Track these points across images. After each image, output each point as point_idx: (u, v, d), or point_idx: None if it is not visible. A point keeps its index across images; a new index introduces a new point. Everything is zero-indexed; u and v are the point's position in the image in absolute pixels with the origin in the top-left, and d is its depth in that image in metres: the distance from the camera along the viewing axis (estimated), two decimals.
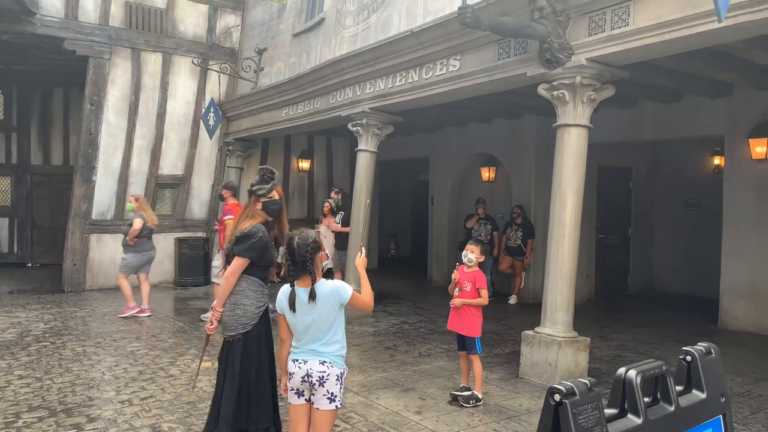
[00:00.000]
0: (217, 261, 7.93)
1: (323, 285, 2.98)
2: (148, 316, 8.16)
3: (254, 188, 3.78)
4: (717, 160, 10.18)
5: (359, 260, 3.30)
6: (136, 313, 8.19)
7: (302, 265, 2.94)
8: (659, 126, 8.59)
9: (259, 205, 3.75)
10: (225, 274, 3.64)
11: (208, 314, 8.09)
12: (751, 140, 7.62)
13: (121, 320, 7.96)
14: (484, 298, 4.74)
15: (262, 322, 3.66)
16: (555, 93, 5.48)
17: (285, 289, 3.03)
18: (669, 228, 11.17)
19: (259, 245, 3.58)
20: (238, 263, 3.58)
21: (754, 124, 7.61)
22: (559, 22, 5.24)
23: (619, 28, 4.88)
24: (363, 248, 3.43)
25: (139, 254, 8.25)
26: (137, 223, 8.10)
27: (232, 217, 7.80)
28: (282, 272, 3.45)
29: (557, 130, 5.54)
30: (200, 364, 4.34)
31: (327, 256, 3.09)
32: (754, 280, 7.66)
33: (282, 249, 10.35)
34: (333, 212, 9.09)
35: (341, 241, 8.64)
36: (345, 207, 8.78)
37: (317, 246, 2.99)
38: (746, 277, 7.73)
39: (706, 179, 10.47)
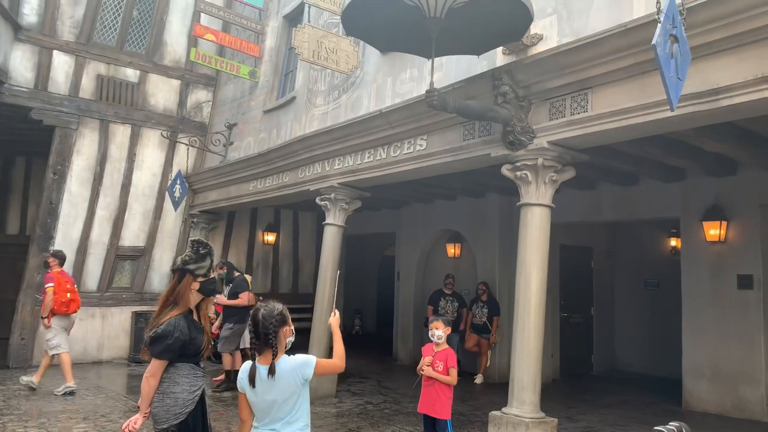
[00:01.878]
0: (50, 334, 7.75)
1: (285, 361, 2.86)
2: None
3: (191, 267, 3.34)
4: (674, 242, 10.49)
5: (333, 319, 3.28)
6: None
7: (265, 338, 2.83)
8: (617, 207, 8.88)
9: (195, 285, 3.36)
10: (145, 375, 3.25)
11: (29, 378, 7.71)
12: (704, 223, 7.90)
13: (69, 399, 7.50)
14: (453, 378, 4.67)
15: (198, 409, 3.31)
16: (518, 173, 5.64)
17: (246, 366, 2.91)
18: (630, 307, 11.31)
19: (176, 346, 3.21)
20: (156, 365, 3.23)
21: (706, 207, 7.92)
22: (521, 107, 5.48)
23: (579, 113, 5.12)
24: (336, 310, 3.38)
25: None
26: None
27: (51, 285, 7.70)
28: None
29: (521, 209, 5.66)
30: None
31: (292, 332, 2.99)
32: (715, 360, 7.72)
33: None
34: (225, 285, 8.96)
35: (229, 314, 8.42)
36: (232, 279, 8.70)
37: (283, 319, 2.89)
38: (707, 357, 7.79)
39: (665, 260, 10.74)
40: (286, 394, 2.83)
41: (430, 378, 4.70)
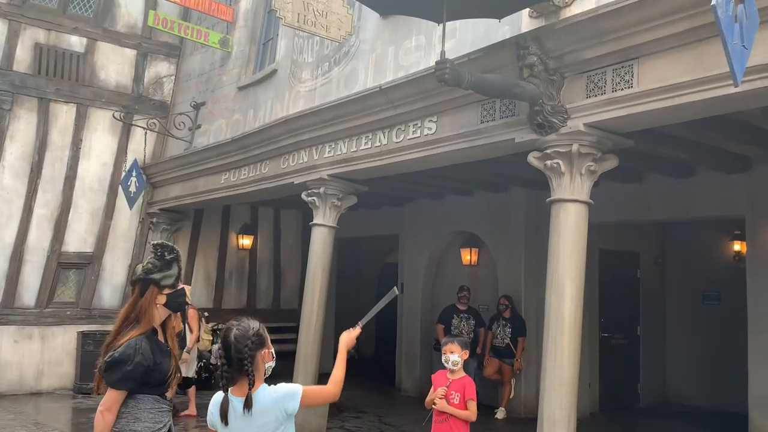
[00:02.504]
0: None
1: (265, 392, 2.85)
2: None
3: (156, 277, 3.33)
4: (738, 246, 10.49)
5: (348, 333, 3.26)
6: None
7: (239, 364, 2.81)
8: (669, 204, 8.86)
9: (161, 299, 3.35)
10: (99, 408, 3.20)
11: None
12: None
13: None
14: (473, 412, 4.68)
15: None
16: (548, 163, 5.63)
17: (217, 398, 2.91)
18: (685, 326, 11.31)
19: (137, 373, 3.17)
20: (113, 397, 3.18)
21: None
22: (552, 82, 5.46)
23: (622, 90, 5.11)
24: (360, 326, 3.36)
25: None
26: None
27: None
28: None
29: (552, 206, 5.66)
30: None
31: (272, 356, 2.98)
32: None
33: (216, 348, 9.86)
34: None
35: None
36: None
37: (260, 340, 2.88)
38: None
39: (727, 268, 10.73)
40: (273, 427, 2.82)
41: (443, 413, 4.70)
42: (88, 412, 9.28)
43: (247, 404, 2.79)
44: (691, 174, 8.51)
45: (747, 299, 8.19)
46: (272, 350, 2.97)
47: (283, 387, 2.91)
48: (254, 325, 2.92)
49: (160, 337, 3.41)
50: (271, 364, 2.96)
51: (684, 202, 8.71)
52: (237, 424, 2.82)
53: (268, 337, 2.96)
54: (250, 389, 2.81)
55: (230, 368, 2.84)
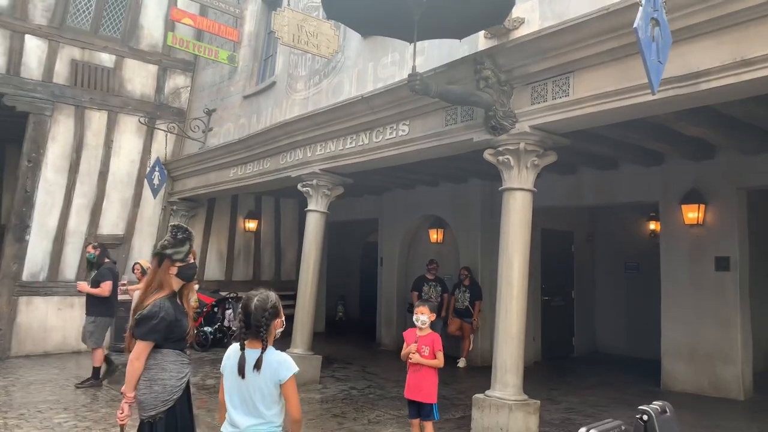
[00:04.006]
0: None
1: (271, 354, 2.79)
2: None
3: (169, 252, 3.36)
4: (653, 225, 10.63)
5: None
6: None
7: (255, 329, 2.76)
8: (598, 192, 8.95)
9: (173, 270, 3.37)
10: (130, 358, 3.24)
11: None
12: (683, 206, 8.01)
13: (48, 389, 7.42)
14: (440, 360, 4.69)
15: (184, 396, 3.33)
16: (500, 158, 5.66)
17: (234, 350, 2.84)
18: (610, 290, 11.47)
19: (162, 326, 3.22)
20: (141, 347, 3.22)
21: (685, 190, 8.02)
22: (503, 92, 5.48)
23: (560, 98, 5.13)
24: None
25: None
26: None
27: None
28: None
29: (503, 194, 5.69)
30: None
31: (283, 324, 2.94)
32: (693, 341, 7.87)
33: (229, 313, 9.74)
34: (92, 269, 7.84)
35: (91, 304, 7.51)
36: (100, 265, 7.69)
37: (275, 312, 2.83)
38: (685, 338, 7.94)
39: (644, 243, 10.88)
40: (263, 386, 2.76)
41: (416, 363, 4.71)
42: (120, 366, 9.21)
43: (257, 365, 2.74)
44: (615, 167, 8.60)
45: (660, 268, 8.32)
46: (283, 319, 2.91)
47: (286, 357, 2.82)
48: (272, 297, 2.86)
49: (179, 301, 3.43)
50: (281, 329, 2.92)
51: (610, 190, 8.80)
52: (247, 375, 2.77)
53: (282, 309, 2.89)
54: (262, 352, 2.77)
55: (247, 331, 2.80)
